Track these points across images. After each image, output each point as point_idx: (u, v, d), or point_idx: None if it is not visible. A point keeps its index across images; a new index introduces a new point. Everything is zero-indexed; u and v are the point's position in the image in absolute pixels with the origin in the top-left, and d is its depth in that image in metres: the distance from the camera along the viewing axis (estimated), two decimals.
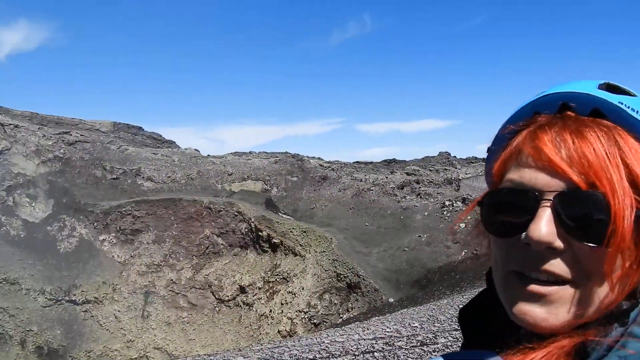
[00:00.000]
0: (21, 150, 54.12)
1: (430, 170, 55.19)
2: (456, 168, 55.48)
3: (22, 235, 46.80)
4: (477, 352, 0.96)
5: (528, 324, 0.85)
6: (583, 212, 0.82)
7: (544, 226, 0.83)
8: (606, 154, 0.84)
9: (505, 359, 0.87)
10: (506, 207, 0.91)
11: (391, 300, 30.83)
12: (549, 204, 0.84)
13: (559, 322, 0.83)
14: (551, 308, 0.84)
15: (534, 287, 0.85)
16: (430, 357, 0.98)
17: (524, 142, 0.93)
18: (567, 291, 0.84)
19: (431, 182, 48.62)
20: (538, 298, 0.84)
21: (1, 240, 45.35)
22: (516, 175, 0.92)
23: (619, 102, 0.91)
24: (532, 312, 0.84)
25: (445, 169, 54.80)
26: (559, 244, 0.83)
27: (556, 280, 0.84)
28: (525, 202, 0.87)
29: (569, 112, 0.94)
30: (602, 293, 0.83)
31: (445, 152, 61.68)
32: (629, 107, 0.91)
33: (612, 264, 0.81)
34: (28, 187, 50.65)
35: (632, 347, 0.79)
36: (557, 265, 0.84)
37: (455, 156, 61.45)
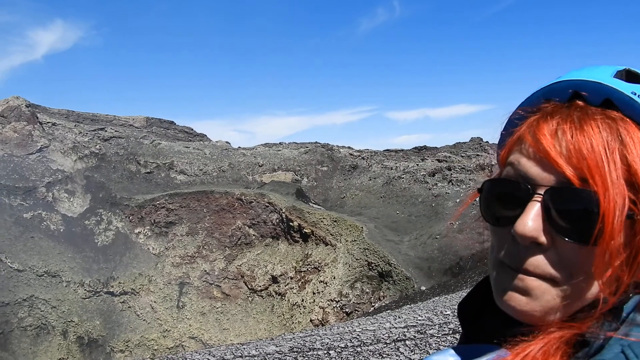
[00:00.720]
0: (59, 147, 55.67)
1: (462, 156, 54.34)
2: (489, 153, 54.26)
3: (61, 230, 48.24)
4: (477, 346, 0.95)
5: (512, 311, 0.86)
6: (572, 209, 0.80)
7: (530, 221, 0.82)
8: (605, 148, 0.80)
9: (507, 350, 0.86)
10: (501, 198, 0.91)
11: (423, 288, 30.62)
12: (539, 199, 0.83)
13: (541, 313, 0.83)
14: (535, 300, 0.83)
15: (520, 280, 0.85)
16: (426, 357, 0.94)
17: (526, 131, 0.90)
18: (551, 287, 0.83)
19: (463, 168, 47.94)
20: (523, 290, 0.84)
21: (42, 235, 46.83)
22: (515, 165, 0.90)
23: (631, 93, 0.87)
24: (516, 301, 0.85)
25: (478, 155, 53.86)
26: (543, 239, 0.82)
27: (540, 275, 0.83)
28: (518, 194, 0.86)
29: (579, 102, 0.89)
30: (589, 291, 0.82)
31: (477, 137, 60.50)
32: None
33: (600, 264, 0.79)
34: (66, 183, 52.10)
35: (635, 335, 0.79)
36: (540, 262, 0.83)
37: (487, 141, 60.30)
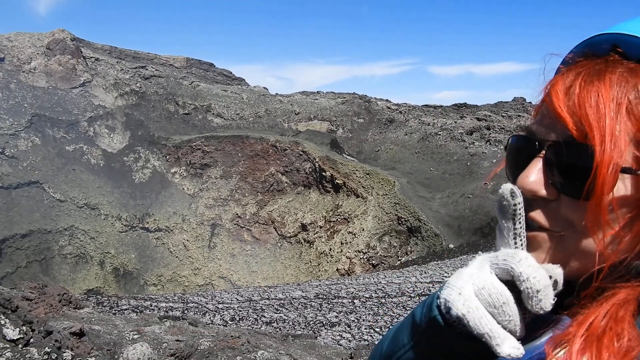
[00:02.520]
0: (101, 83, 56.53)
1: (502, 116, 53.00)
2: (531, 114, 52.81)
3: (101, 164, 49.62)
4: None
5: None
6: (569, 163, 0.80)
7: (531, 175, 0.83)
8: (611, 102, 0.79)
9: (566, 316, 0.83)
10: (516, 153, 0.91)
11: (451, 246, 30.68)
12: (543, 154, 0.84)
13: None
14: (535, 252, 0.84)
15: (529, 232, 0.84)
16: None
17: (547, 88, 0.90)
18: (548, 238, 0.84)
19: (502, 128, 46.87)
20: (531, 242, 0.84)
21: (83, 168, 48.31)
22: (534, 121, 0.91)
23: None
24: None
25: (519, 116, 52.44)
26: (543, 193, 0.82)
27: (540, 227, 0.84)
28: (528, 150, 0.87)
29: (612, 55, 0.87)
30: (586, 246, 0.81)
31: (521, 97, 58.72)
32: None
33: (591, 219, 0.78)
34: (107, 119, 53.16)
35: None
36: (539, 214, 0.84)
37: (530, 102, 57.98)
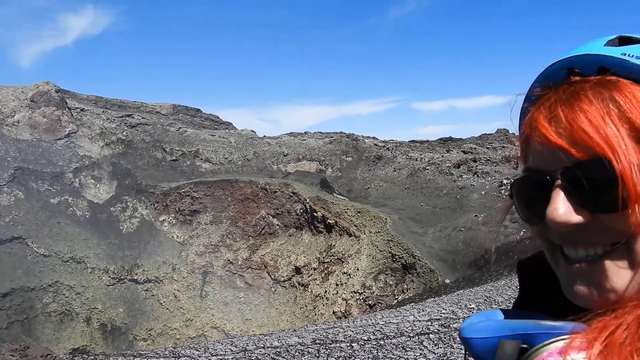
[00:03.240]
0: (87, 133, 56.32)
1: (487, 147, 53.52)
2: (515, 145, 52.85)
3: (87, 216, 48.86)
4: (545, 317, 0.90)
5: (580, 302, 0.85)
6: (590, 181, 0.79)
7: (559, 207, 0.82)
8: (601, 116, 0.81)
9: (583, 324, 0.82)
10: (528, 196, 0.91)
11: (447, 281, 30.19)
12: (559, 184, 0.83)
13: (609, 294, 0.82)
14: (595, 285, 0.83)
15: (575, 267, 0.85)
16: (491, 309, 0.93)
17: (527, 127, 0.92)
18: (612, 260, 0.82)
19: (488, 160, 47.16)
20: (581, 277, 0.84)
21: (68, 220, 47.49)
22: (530, 160, 0.92)
23: (621, 54, 0.87)
24: (581, 291, 0.84)
25: (504, 147, 52.97)
26: (577, 219, 0.81)
27: (596, 252, 0.83)
28: (541, 188, 0.87)
29: (573, 78, 0.90)
30: None
31: (504, 128, 59.52)
32: (633, 56, 0.86)
33: (637, 223, 0.78)
34: (93, 169, 52.72)
35: None
36: (588, 239, 0.83)
37: (514, 133, 58.63)
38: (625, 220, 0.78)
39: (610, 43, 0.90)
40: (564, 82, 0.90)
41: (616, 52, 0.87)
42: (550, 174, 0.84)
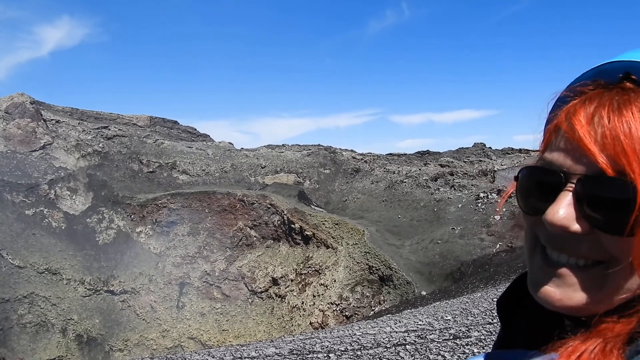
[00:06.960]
0: (62, 145, 55.67)
1: (464, 161, 54.33)
2: (491, 159, 54.46)
3: (62, 227, 48.17)
4: (516, 352, 0.91)
5: (544, 302, 0.84)
6: (604, 199, 0.75)
7: (561, 209, 0.79)
8: None
9: (555, 353, 0.80)
10: (534, 186, 0.88)
11: (424, 293, 30.49)
12: (571, 188, 0.80)
13: (574, 304, 0.80)
14: (568, 290, 0.81)
15: (552, 270, 0.83)
16: (470, 357, 0.90)
17: (563, 116, 0.87)
18: (587, 275, 0.80)
19: (465, 173, 47.84)
20: (556, 279, 0.82)
21: (43, 232, 46.77)
22: (551, 151, 0.88)
23: None
24: (549, 291, 0.82)
25: (480, 161, 53.86)
26: (576, 228, 0.78)
27: (576, 263, 0.81)
28: (552, 183, 0.84)
29: (627, 84, 0.83)
30: (630, 281, 0.77)
31: (481, 143, 60.59)
32: None
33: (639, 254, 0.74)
34: (69, 181, 52.04)
35: None
36: (576, 248, 0.80)
37: (490, 147, 60.34)
38: (622, 245, 0.75)
39: None
40: (617, 84, 0.84)
41: None
42: (566, 174, 0.81)
